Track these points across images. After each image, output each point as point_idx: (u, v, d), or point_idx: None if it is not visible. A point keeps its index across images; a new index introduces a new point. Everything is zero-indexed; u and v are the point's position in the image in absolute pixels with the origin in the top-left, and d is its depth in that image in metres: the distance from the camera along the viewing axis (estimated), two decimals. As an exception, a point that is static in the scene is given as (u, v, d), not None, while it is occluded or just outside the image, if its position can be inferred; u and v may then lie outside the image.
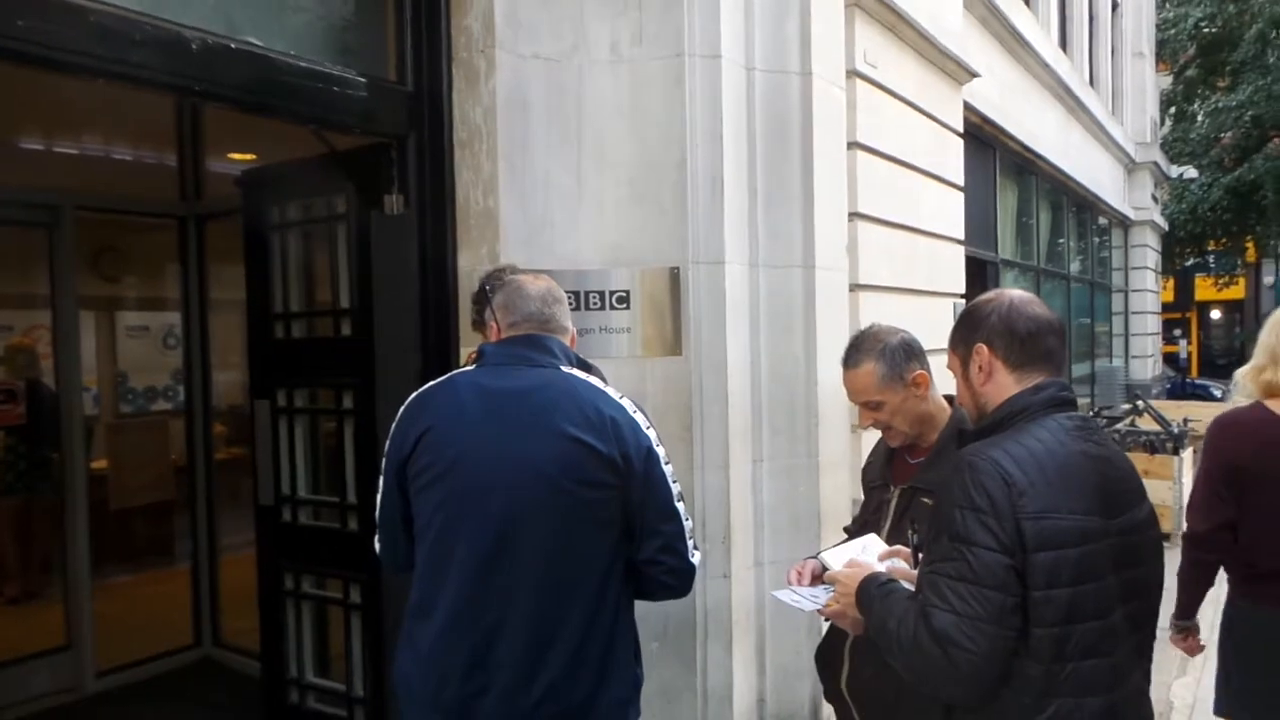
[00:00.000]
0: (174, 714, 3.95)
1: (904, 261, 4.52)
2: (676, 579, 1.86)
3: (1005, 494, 1.38)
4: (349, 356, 3.13)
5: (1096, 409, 9.29)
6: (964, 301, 5.23)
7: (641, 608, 2.99)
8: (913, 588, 1.56)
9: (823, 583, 2.14)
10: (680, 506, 1.85)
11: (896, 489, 2.15)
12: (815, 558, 2.24)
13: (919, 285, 4.69)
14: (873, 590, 1.61)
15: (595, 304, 3.06)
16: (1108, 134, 11.32)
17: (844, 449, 3.48)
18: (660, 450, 1.84)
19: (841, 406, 3.43)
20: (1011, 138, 7.51)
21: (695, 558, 1.87)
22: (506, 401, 1.79)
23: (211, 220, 4.71)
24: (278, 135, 3.50)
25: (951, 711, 1.50)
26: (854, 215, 3.92)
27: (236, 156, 4.79)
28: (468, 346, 3.10)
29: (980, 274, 6.98)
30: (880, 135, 4.23)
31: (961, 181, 5.37)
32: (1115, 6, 12.59)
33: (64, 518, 4.23)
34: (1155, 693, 4.33)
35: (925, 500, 2.03)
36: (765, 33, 3.19)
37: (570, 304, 3.02)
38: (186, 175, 4.72)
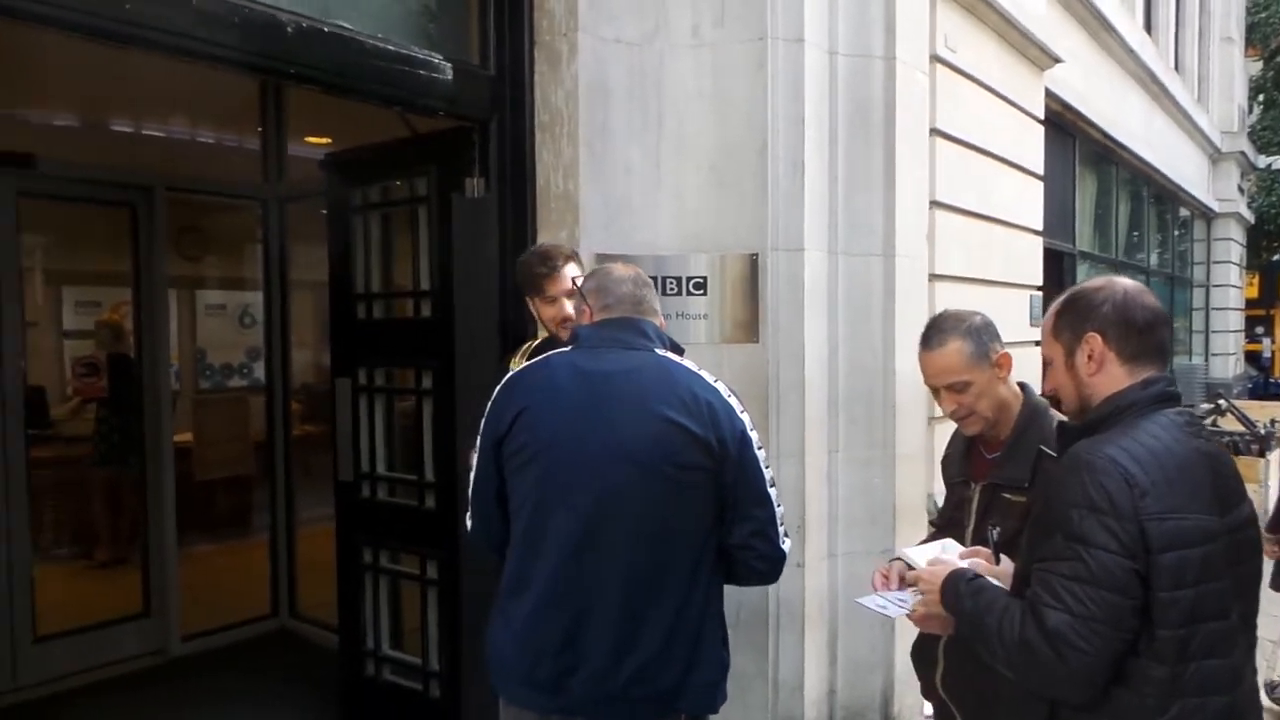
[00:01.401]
0: (254, 680, 4.08)
1: (981, 252, 4.41)
2: (767, 565, 1.87)
3: (1127, 494, 1.35)
4: (429, 337, 3.18)
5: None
6: (1040, 294, 5.09)
7: (714, 594, 3.03)
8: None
9: (908, 586, 2.11)
10: (773, 492, 1.85)
11: (977, 486, 2.09)
12: (898, 559, 2.21)
13: (996, 276, 4.57)
14: (961, 587, 1.59)
15: (673, 289, 3.05)
16: (1192, 122, 10.89)
17: (921, 441, 3.42)
18: (754, 435, 1.84)
19: (919, 398, 3.37)
20: (1092, 125, 7.26)
21: (786, 544, 1.87)
22: (603, 383, 1.80)
23: (292, 203, 4.81)
24: (357, 120, 3.56)
25: (1057, 711, 1.46)
26: (932, 204, 3.84)
27: (314, 140, 4.90)
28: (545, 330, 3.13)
29: (1056, 266, 6.78)
30: (960, 122, 4.12)
31: (1041, 170, 5.22)
32: (1203, -11, 12.08)
33: (149, 488, 4.38)
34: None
35: (1007, 496, 1.98)
36: (849, 16, 3.13)
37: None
38: (269, 158, 4.83)
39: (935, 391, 2.06)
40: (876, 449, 3.21)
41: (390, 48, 2.72)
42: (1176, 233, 11.72)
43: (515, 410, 1.82)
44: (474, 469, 1.91)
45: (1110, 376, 1.52)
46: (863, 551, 3.15)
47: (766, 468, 1.85)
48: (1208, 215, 12.97)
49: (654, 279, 3.02)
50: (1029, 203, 5.09)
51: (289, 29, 2.43)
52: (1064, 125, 6.77)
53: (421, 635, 3.28)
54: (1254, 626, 1.51)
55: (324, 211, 3.84)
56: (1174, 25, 10.61)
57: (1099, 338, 1.53)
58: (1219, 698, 1.38)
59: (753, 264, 3.01)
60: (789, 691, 3.04)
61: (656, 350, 1.87)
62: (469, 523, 1.96)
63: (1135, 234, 9.84)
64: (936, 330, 2.02)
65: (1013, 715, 1.64)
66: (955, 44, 4.08)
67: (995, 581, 1.61)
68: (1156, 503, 1.35)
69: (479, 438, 1.90)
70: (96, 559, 5.19)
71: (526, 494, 1.80)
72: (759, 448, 1.84)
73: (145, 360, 4.48)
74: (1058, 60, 5.25)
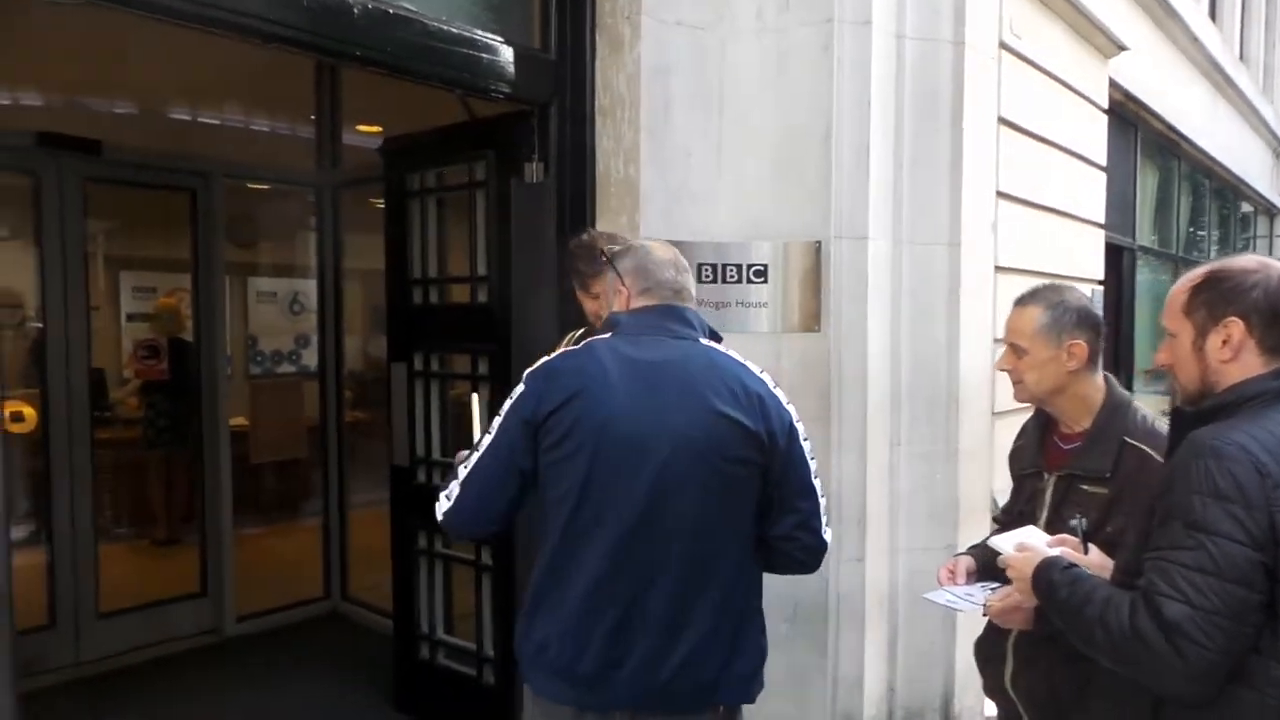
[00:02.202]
0: (308, 661, 4.13)
1: (1045, 244, 4.30)
2: (810, 556, 1.85)
3: (1258, 483, 1.28)
4: (485, 322, 3.17)
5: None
6: (1101, 289, 4.96)
7: (772, 589, 2.99)
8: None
9: (977, 580, 2.05)
10: (817, 483, 1.82)
11: (1052, 476, 2.03)
12: (966, 553, 2.15)
13: (1059, 270, 4.45)
14: (1055, 575, 1.52)
15: (733, 277, 3.01)
16: (1257, 114, 10.54)
17: (985, 437, 3.34)
18: (800, 426, 1.82)
19: (982, 392, 3.30)
20: (1155, 115, 7.05)
21: (828, 535, 1.85)
22: (652, 372, 1.75)
23: (346, 189, 4.84)
24: (410, 107, 3.57)
25: (1160, 709, 1.40)
26: (998, 194, 3.74)
27: (366, 128, 4.93)
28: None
29: (1116, 260, 6.60)
30: (1026, 111, 4.01)
31: (1104, 162, 5.08)
32: (1270, -24, 11.69)
33: (205, 470, 4.45)
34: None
35: (1085, 488, 1.92)
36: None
37: (707, 277, 3.04)
38: (324, 146, 4.86)
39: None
40: (939, 444, 3.14)
41: (453, 30, 2.71)
42: (1239, 228, 11.37)
43: (563, 396, 1.72)
44: (482, 450, 1.78)
45: (1244, 366, 1.43)
46: (924, 548, 3.09)
47: (812, 459, 1.83)
48: (1271, 211, 12.57)
49: (713, 266, 3.02)
50: (1092, 195, 4.96)
51: (355, 10, 2.43)
52: (1126, 115, 6.58)
53: (476, 621, 3.28)
54: None
55: (379, 198, 3.86)
56: (1240, 14, 10.28)
57: (1241, 324, 1.43)
58: None
59: (815, 252, 2.95)
60: (848, 688, 2.99)
61: (701, 340, 1.83)
62: (447, 501, 1.80)
63: (1196, 229, 9.56)
64: (1033, 291, 2.00)
65: (1106, 715, 1.58)
66: (1021, 30, 3.97)
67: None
68: None
69: (499, 418, 1.78)
70: (155, 537, 5.29)
71: (573, 483, 1.71)
72: (805, 439, 1.82)
73: (203, 344, 4.55)
74: (1123, 48, 5.10)
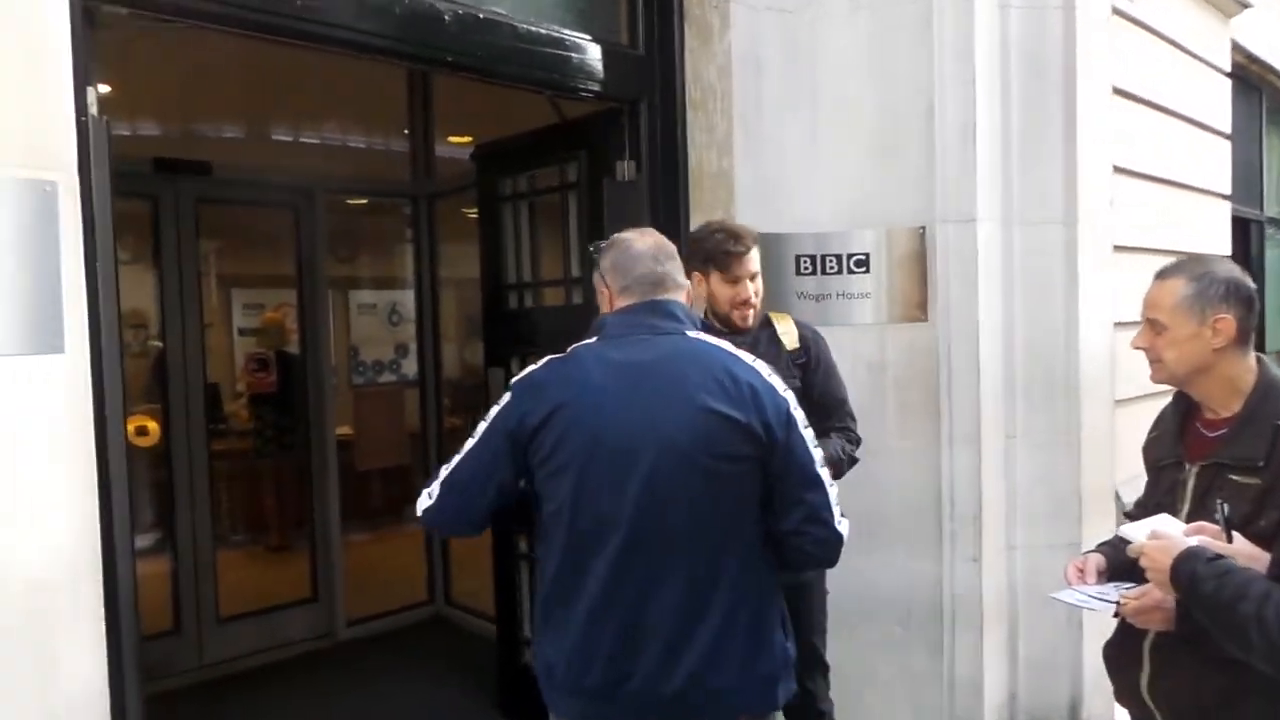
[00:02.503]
0: (415, 665, 4.19)
1: (1167, 219, 4.04)
2: (823, 549, 1.74)
3: None
4: (581, 324, 3.13)
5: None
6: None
7: (883, 592, 2.87)
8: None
9: (1109, 580, 1.91)
10: (824, 472, 1.71)
11: (1194, 466, 1.86)
12: (1096, 551, 2.00)
13: (1182, 246, 4.17)
14: (1200, 568, 1.39)
15: (832, 268, 2.91)
16: (1396, 71, 9.71)
17: (1106, 427, 3.14)
18: (799, 414, 1.71)
19: (1103, 378, 3.10)
20: (1281, 78, 6.56)
21: (844, 526, 1.73)
22: (638, 375, 1.67)
23: (440, 199, 4.92)
24: (500, 115, 3.59)
25: None
26: (1115, 169, 3.52)
27: (457, 139, 5.01)
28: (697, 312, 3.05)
29: (1243, 234, 6.17)
30: (1141, 79, 3.78)
31: (1228, 129, 4.75)
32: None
33: (314, 478, 4.58)
34: None
35: (1235, 478, 1.75)
36: (1021, -36, 2.89)
37: (806, 269, 2.95)
38: (418, 157, 4.96)
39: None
40: (1059, 433, 2.97)
41: (541, 31, 2.69)
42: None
43: (548, 407, 1.67)
44: (463, 454, 1.75)
45: None
46: (1045, 545, 2.92)
47: (815, 446, 1.72)
48: None
49: (812, 258, 2.93)
50: (1215, 165, 4.65)
51: (446, 17, 2.44)
52: (1249, 79, 6.15)
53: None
54: None
55: (472, 207, 3.90)
56: (1372, -36, 9.48)
57: None
58: None
59: (920, 237, 2.83)
60: (967, 693, 2.85)
61: (687, 332, 1.73)
62: (428, 499, 1.77)
63: (1330, 199, 8.87)
64: (1175, 264, 1.83)
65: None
66: (1133, -7, 3.74)
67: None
68: None
69: (483, 424, 1.74)
70: (269, 544, 5.49)
71: (565, 498, 1.66)
72: (805, 426, 1.71)
73: (308, 356, 4.69)
74: (1246, 4, 4.77)
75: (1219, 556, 1.41)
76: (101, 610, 1.68)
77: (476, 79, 2.71)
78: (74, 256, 1.59)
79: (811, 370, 2.52)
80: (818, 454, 1.72)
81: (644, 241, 1.83)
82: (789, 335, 2.53)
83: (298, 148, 5.11)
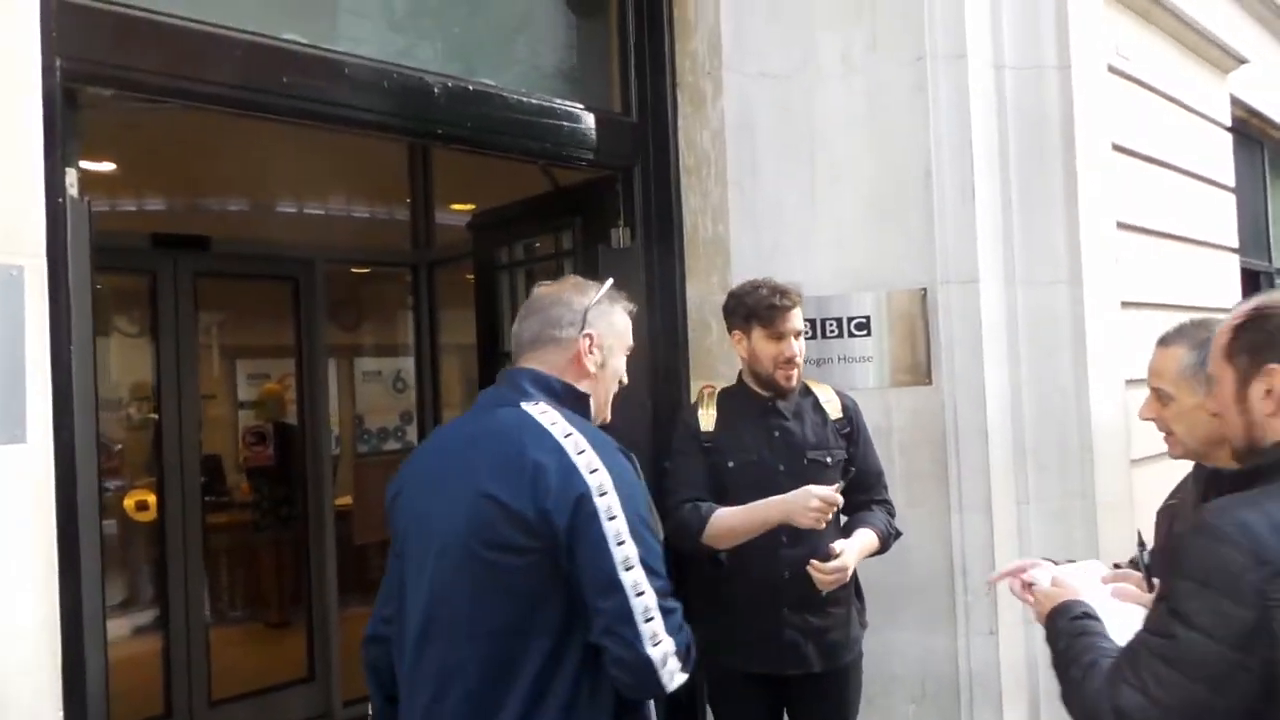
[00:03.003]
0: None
1: (1174, 275, 3.98)
2: (625, 673, 1.41)
3: (1253, 572, 1.08)
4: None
5: None
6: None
7: (896, 666, 2.74)
8: (1138, 614, 1.29)
9: None
10: (629, 576, 1.39)
11: None
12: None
13: (1191, 301, 4.11)
14: (1061, 623, 1.36)
15: (833, 332, 2.85)
16: (1395, 120, 9.75)
17: (1123, 488, 3.03)
18: (605, 500, 1.42)
19: (1118, 438, 3.01)
20: (1282, 130, 6.57)
21: (655, 648, 1.38)
22: (451, 454, 1.58)
23: (440, 267, 4.92)
24: (497, 183, 3.60)
25: None
26: (1119, 225, 3.48)
27: (458, 207, 5.03)
28: (698, 380, 2.98)
29: (1253, 286, 6.09)
30: (1140, 135, 3.76)
31: (1232, 182, 4.72)
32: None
33: (311, 553, 4.48)
34: None
35: None
36: (1015, 26, 2.88)
37: (806, 333, 2.88)
38: (418, 225, 4.98)
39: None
40: (1074, 499, 2.86)
41: (532, 101, 2.69)
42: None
43: (391, 494, 1.61)
44: None
45: None
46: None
47: (621, 543, 1.40)
48: None
49: (811, 321, 2.86)
50: (1221, 218, 4.61)
51: (436, 90, 2.44)
52: (1249, 133, 6.15)
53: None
54: None
55: (472, 273, 3.88)
56: (1365, 17, 9.60)
57: None
58: None
59: (921, 299, 2.77)
60: (989, 776, 2.70)
61: (523, 404, 1.53)
62: None
63: (1338, 248, 8.81)
64: (1178, 329, 1.77)
65: None
66: (1128, 51, 3.75)
67: (1136, 609, 1.36)
68: None
69: None
70: (268, 621, 5.37)
71: (396, 590, 1.59)
72: (611, 517, 1.41)
73: (308, 427, 4.63)
74: (1242, 61, 4.79)
75: (1087, 617, 1.36)
76: (60, 703, 1.60)
77: (468, 150, 2.70)
78: (39, 342, 1.55)
79: (853, 441, 2.44)
80: (623, 552, 1.41)
81: (545, 292, 1.69)
82: (831, 404, 2.44)
83: (299, 219, 5.13)
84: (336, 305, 6.14)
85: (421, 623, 1.49)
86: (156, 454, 4.22)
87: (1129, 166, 3.68)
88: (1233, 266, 4.79)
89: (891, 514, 2.45)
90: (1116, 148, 3.57)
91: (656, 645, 1.38)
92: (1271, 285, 6.67)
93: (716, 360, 2.90)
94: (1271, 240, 6.75)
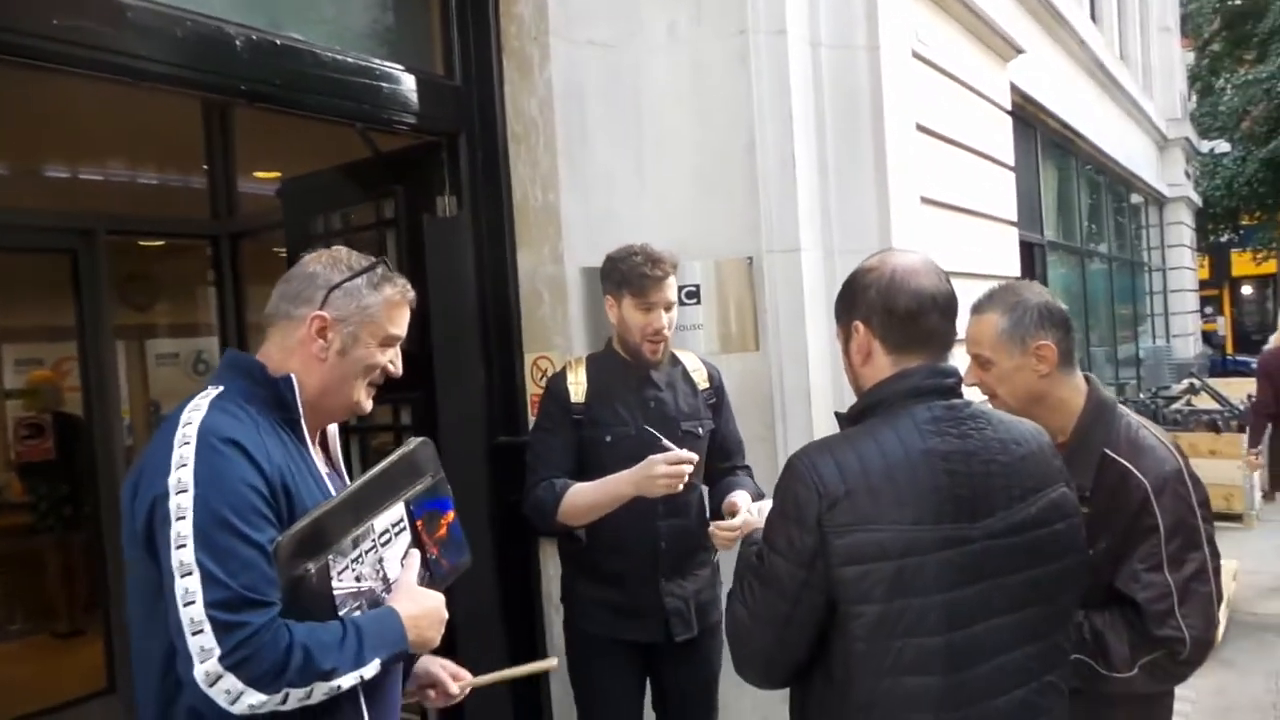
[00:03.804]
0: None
1: (967, 247, 4.32)
2: (188, 692, 1.24)
3: (815, 503, 1.28)
4: (406, 369, 2.95)
5: (1153, 390, 9.02)
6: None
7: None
8: None
9: None
10: (181, 584, 1.22)
11: None
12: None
13: (983, 271, 4.48)
14: (742, 549, 1.52)
15: (664, 301, 2.87)
16: (1140, 110, 11.04)
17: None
18: (179, 500, 1.25)
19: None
20: (1052, 115, 7.28)
21: (201, 665, 1.21)
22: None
23: (245, 239, 4.56)
24: (312, 147, 3.37)
25: None
26: (922, 200, 3.73)
27: (264, 175, 4.68)
28: (531, 352, 2.94)
29: (1028, 257, 6.75)
30: (938, 116, 4.03)
31: (1012, 161, 5.17)
32: (1139, -20, 12.33)
33: (107, 554, 4.07)
34: (1261, 683, 4.04)
35: None
36: (830, 6, 3.00)
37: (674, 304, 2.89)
38: (219, 193, 4.58)
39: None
40: (888, 455, 3.05)
41: (348, 59, 2.53)
42: (1132, 219, 11.87)
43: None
44: None
45: (876, 368, 1.41)
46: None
47: (181, 547, 1.23)
48: (1159, 200, 13.19)
49: (645, 291, 2.88)
50: (1004, 195, 5.03)
51: (238, 42, 2.23)
52: (1025, 117, 6.77)
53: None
54: (1051, 636, 1.38)
55: (283, 245, 3.61)
56: (1117, 16, 10.77)
57: (863, 326, 1.42)
58: (921, 715, 1.29)
59: (747, 268, 2.85)
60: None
61: (209, 388, 1.40)
62: None
63: (1097, 222, 9.92)
64: (988, 296, 1.84)
65: None
66: (926, 37, 3.99)
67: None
68: (845, 514, 1.27)
69: None
70: (55, 630, 4.84)
71: None
72: (179, 518, 1.24)
73: (95, 417, 4.18)
74: (1020, 50, 5.21)
75: (754, 542, 1.50)
76: None
77: (276, 110, 2.49)
78: None
79: (718, 411, 2.42)
80: (185, 557, 1.23)
81: (306, 261, 1.57)
82: (699, 373, 2.41)
83: (76, 185, 4.60)
84: (125, 281, 5.57)
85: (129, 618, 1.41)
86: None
87: (929, 145, 3.95)
88: (1013, 238, 5.25)
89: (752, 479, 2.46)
90: (921, 127, 3.82)
91: (203, 662, 1.21)
92: (1044, 256, 7.42)
93: (550, 331, 2.86)
94: (1043, 215, 7.49)
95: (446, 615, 1.48)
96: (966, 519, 1.30)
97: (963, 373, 1.86)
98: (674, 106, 2.86)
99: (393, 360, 1.57)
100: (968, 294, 1.98)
